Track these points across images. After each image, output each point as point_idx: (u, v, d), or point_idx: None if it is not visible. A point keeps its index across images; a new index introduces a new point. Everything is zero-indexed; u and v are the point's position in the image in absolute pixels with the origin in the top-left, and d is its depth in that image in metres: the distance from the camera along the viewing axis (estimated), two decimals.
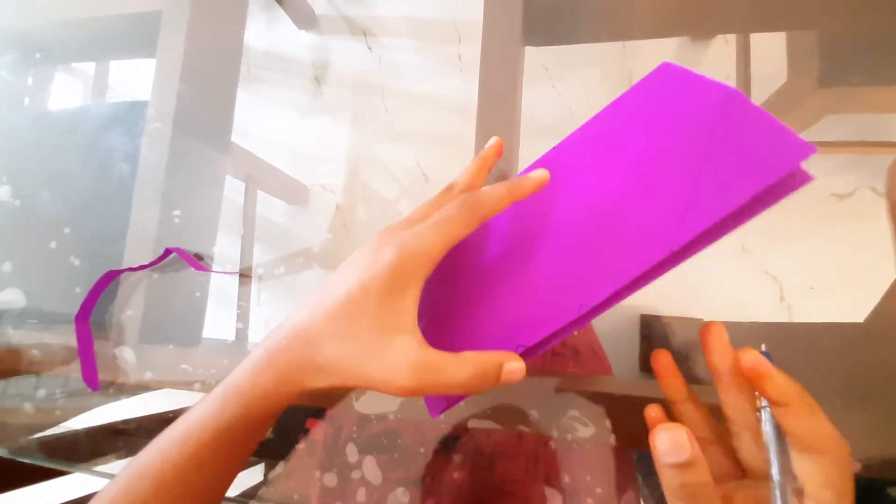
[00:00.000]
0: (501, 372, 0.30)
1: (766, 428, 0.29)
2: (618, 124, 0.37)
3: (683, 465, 0.26)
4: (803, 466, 0.27)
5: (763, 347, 0.32)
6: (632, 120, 0.37)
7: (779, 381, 0.28)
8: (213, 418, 0.32)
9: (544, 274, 0.35)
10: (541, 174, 0.34)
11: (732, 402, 0.31)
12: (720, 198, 0.30)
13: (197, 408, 0.33)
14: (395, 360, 0.29)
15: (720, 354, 0.31)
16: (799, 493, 0.26)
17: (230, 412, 0.32)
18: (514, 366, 0.31)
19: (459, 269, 0.39)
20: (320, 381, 0.30)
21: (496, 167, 0.51)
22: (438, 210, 0.32)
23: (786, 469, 0.27)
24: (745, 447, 0.30)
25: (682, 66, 0.36)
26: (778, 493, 0.27)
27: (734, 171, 0.31)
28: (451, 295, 0.38)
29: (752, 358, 0.29)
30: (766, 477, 0.28)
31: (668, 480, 0.26)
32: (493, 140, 0.40)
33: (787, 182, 0.30)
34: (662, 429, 0.26)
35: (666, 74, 0.38)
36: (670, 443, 0.26)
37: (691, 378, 0.43)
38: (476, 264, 0.38)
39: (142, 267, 0.54)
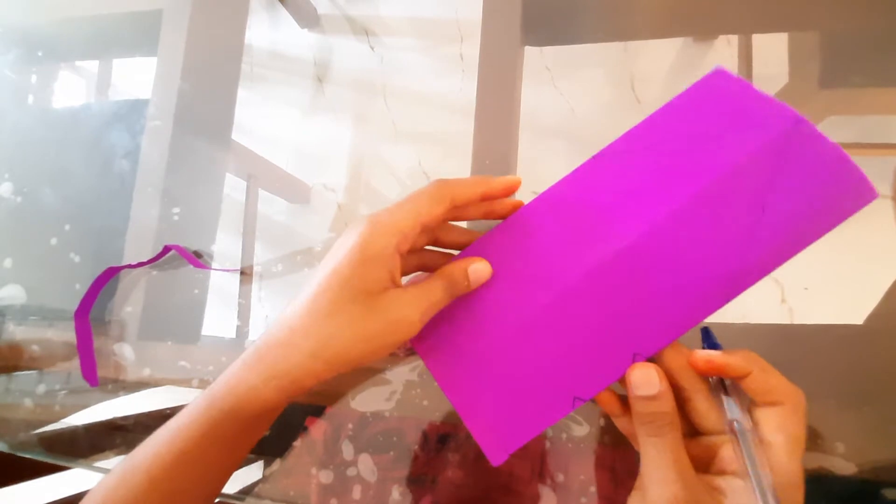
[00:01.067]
0: (468, 275, 0.34)
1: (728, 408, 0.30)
2: (667, 141, 0.34)
3: (652, 398, 0.30)
4: (760, 417, 0.29)
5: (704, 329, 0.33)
6: (683, 136, 0.33)
7: (734, 364, 0.30)
8: (201, 415, 0.32)
9: (594, 322, 0.33)
10: (513, 178, 0.36)
11: (684, 375, 0.32)
12: (786, 241, 0.30)
13: (189, 405, 0.33)
14: (388, 320, 0.31)
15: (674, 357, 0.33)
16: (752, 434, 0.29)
17: (217, 409, 0.32)
18: (479, 266, 0.34)
19: (498, 309, 0.36)
20: (315, 371, 0.31)
21: (493, 172, 0.51)
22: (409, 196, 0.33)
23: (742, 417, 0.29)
24: (699, 408, 0.32)
25: (736, 74, 0.33)
26: (740, 439, 0.29)
27: (800, 210, 0.30)
28: (481, 332, 0.36)
29: (703, 359, 0.31)
30: (717, 431, 0.31)
31: (639, 410, 0.30)
32: (510, 179, 0.37)
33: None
34: (638, 367, 0.31)
35: (719, 83, 0.33)
36: (643, 378, 0.30)
37: None
38: (517, 306, 0.35)
39: (141, 264, 0.54)
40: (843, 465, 0.38)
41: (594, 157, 0.35)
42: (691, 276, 0.31)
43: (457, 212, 0.35)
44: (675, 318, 0.32)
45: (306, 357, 0.31)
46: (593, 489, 0.42)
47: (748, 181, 0.31)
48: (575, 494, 0.42)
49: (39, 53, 0.71)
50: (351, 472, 0.47)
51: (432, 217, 0.33)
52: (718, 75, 0.33)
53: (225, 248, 0.58)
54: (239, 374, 0.32)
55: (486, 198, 0.35)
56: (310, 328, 0.31)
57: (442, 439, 0.46)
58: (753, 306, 0.51)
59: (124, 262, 0.55)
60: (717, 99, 0.33)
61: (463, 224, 0.39)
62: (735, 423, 0.29)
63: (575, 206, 0.35)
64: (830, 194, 0.30)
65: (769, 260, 0.30)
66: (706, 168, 0.32)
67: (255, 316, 0.57)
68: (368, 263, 0.31)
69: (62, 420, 0.56)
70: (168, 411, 0.52)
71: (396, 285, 0.32)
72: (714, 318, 0.51)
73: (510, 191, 0.36)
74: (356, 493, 0.46)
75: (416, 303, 0.32)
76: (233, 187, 0.62)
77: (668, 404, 0.30)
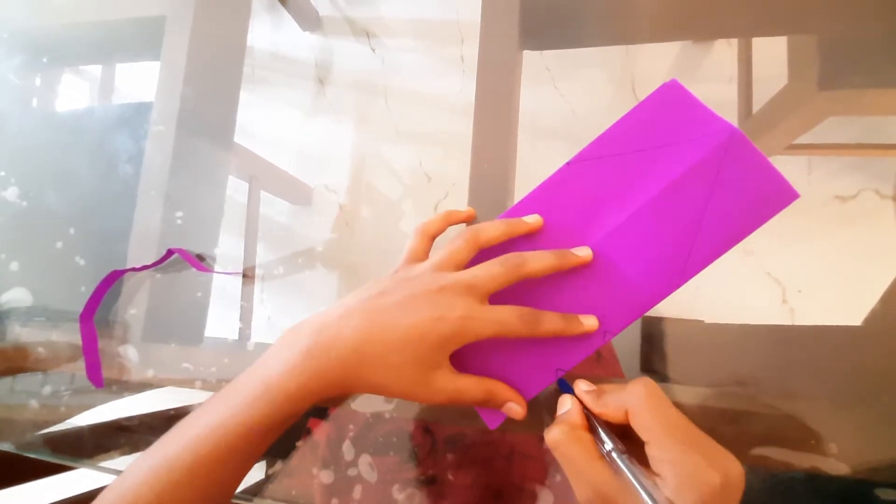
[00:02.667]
0: (504, 407, 0.38)
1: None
2: (625, 149, 0.40)
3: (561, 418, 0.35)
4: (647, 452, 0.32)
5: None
6: (639, 146, 0.40)
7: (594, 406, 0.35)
8: (252, 415, 0.33)
9: (571, 305, 0.39)
10: (536, 222, 0.41)
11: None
12: (723, 238, 0.37)
13: (219, 405, 0.34)
14: (432, 391, 0.35)
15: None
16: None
17: (263, 411, 0.34)
18: (514, 407, 0.38)
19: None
20: (360, 391, 0.36)
21: (492, 174, 0.51)
22: (505, 310, 0.36)
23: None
24: None
25: (687, 88, 0.40)
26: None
27: (734, 212, 0.37)
28: None
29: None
30: None
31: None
32: (534, 224, 0.42)
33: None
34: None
35: (671, 95, 0.40)
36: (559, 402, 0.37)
37: (690, 379, 0.43)
38: (507, 291, 0.39)
39: (145, 267, 0.55)
40: (836, 465, 0.38)
41: (561, 170, 0.42)
42: (647, 269, 0.38)
43: None
44: (636, 303, 0.38)
45: (363, 386, 0.35)
46: None
47: (691, 188, 0.38)
48: (572, 495, 0.42)
49: (44, 59, 0.71)
50: (352, 472, 0.47)
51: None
52: (672, 87, 0.40)
53: (227, 249, 0.58)
54: (300, 382, 0.34)
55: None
56: (376, 372, 0.34)
57: (442, 441, 0.46)
58: (755, 306, 0.51)
59: (128, 266, 0.55)
60: (670, 110, 0.40)
61: None
62: (610, 452, 0.32)
63: (552, 210, 0.41)
64: (759, 197, 0.37)
65: (708, 255, 0.37)
66: (656, 177, 0.39)
67: (257, 318, 0.57)
68: (447, 350, 0.35)
69: (67, 421, 0.56)
70: (171, 412, 0.52)
71: (447, 364, 0.36)
72: (715, 319, 0.51)
73: (533, 231, 0.41)
74: (357, 493, 0.46)
75: (452, 395, 0.36)
76: (235, 189, 0.62)
77: (570, 422, 0.35)
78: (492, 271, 0.36)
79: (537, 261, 0.37)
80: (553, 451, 0.34)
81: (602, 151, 0.41)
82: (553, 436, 0.34)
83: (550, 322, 0.37)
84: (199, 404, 0.36)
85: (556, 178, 0.42)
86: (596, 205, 0.40)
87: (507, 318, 0.36)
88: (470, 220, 0.45)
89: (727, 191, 0.37)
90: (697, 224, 0.37)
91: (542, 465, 0.44)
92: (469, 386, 0.36)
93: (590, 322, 0.38)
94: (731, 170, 0.37)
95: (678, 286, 0.38)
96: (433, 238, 0.42)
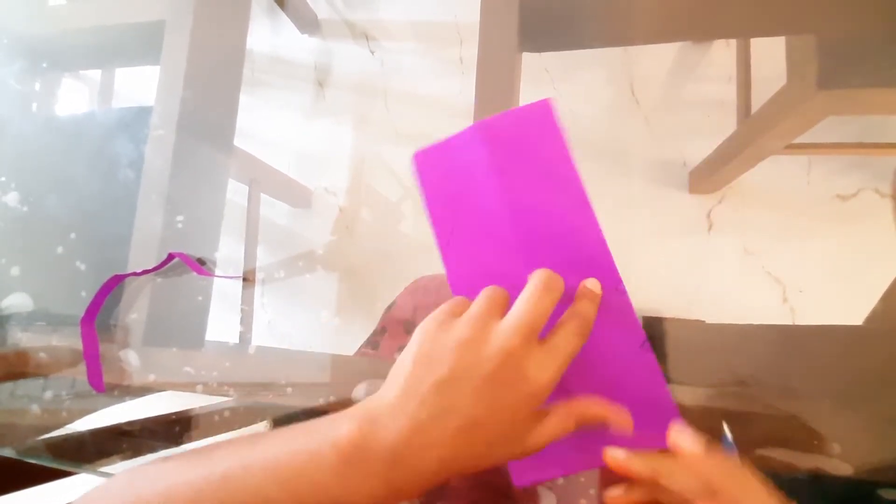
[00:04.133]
0: (606, 422, 0.35)
1: None
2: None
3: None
4: None
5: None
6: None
7: (636, 468, 0.33)
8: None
9: None
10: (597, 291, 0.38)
11: None
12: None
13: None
14: (529, 450, 0.32)
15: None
16: None
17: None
18: (622, 422, 0.35)
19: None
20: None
21: None
22: (562, 336, 0.33)
23: None
24: None
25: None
26: None
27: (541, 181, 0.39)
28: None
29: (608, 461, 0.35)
30: None
31: None
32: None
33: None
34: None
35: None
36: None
37: (691, 380, 0.43)
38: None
39: (146, 271, 0.55)
40: (839, 466, 0.38)
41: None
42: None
43: None
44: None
45: (436, 478, 0.31)
46: (593, 491, 0.42)
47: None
48: (575, 496, 0.42)
49: (44, 64, 0.71)
50: None
51: None
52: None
53: (228, 253, 0.58)
54: (357, 486, 0.30)
55: None
56: (451, 463, 0.31)
57: None
58: (756, 306, 0.51)
59: (129, 270, 0.55)
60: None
61: None
62: None
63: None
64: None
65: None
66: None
67: (257, 321, 0.57)
68: (534, 417, 0.32)
69: (69, 426, 0.56)
70: (173, 416, 0.52)
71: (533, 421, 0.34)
72: (716, 318, 0.51)
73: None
74: None
75: (548, 438, 0.33)
76: (235, 192, 0.62)
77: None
78: (539, 299, 0.33)
79: (591, 316, 0.36)
80: None
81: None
82: None
83: (589, 313, 0.35)
84: (225, 447, 0.33)
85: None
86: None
87: (571, 340, 0.33)
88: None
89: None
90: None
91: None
92: (560, 421, 0.33)
93: (597, 286, 0.37)
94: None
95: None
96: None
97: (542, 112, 0.39)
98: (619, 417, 0.34)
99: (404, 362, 0.32)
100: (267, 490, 0.29)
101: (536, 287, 0.33)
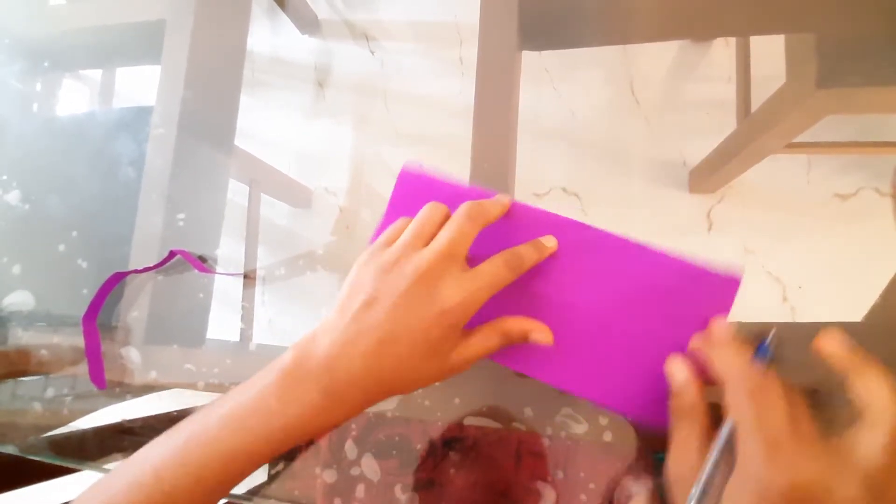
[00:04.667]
0: (529, 339, 0.38)
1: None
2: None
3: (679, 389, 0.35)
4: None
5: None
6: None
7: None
8: (260, 446, 0.33)
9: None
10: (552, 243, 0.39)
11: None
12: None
13: (226, 433, 0.34)
14: (456, 367, 0.36)
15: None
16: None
17: (277, 447, 0.34)
18: (539, 336, 0.38)
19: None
20: (381, 400, 0.36)
21: (492, 175, 0.51)
22: (488, 265, 0.36)
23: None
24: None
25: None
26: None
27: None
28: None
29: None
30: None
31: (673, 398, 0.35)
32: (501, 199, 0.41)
33: None
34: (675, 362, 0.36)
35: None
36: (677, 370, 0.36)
37: None
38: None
39: (147, 269, 0.55)
40: None
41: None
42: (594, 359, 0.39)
43: None
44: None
45: (386, 396, 0.36)
46: (593, 486, 0.42)
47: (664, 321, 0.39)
48: (575, 492, 0.42)
49: (45, 64, 0.72)
50: (355, 471, 0.47)
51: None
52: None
53: (229, 252, 0.58)
54: (316, 413, 0.34)
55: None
56: (396, 383, 0.35)
57: (445, 442, 0.46)
58: (756, 305, 0.51)
59: (130, 268, 0.56)
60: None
61: None
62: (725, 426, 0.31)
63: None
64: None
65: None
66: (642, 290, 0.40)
67: (258, 320, 0.57)
68: (452, 336, 0.35)
69: (71, 423, 0.56)
70: (174, 414, 0.52)
71: (459, 337, 0.36)
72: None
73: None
74: (360, 492, 0.46)
75: (474, 357, 0.36)
76: (236, 192, 0.62)
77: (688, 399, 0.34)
78: (462, 228, 0.35)
79: (494, 206, 0.37)
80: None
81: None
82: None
83: (528, 255, 0.37)
84: (197, 416, 0.35)
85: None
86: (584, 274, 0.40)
87: (497, 271, 0.35)
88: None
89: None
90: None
91: (548, 462, 0.44)
92: (484, 339, 0.36)
93: (551, 242, 0.39)
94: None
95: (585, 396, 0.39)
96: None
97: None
98: (541, 334, 0.38)
99: (342, 290, 0.36)
100: (223, 436, 0.33)
101: (459, 215, 0.36)
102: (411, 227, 0.37)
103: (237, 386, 0.35)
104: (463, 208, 0.36)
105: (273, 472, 0.49)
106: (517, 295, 0.39)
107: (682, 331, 0.37)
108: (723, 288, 0.37)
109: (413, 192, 0.42)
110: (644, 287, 0.38)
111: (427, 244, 0.36)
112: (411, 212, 0.39)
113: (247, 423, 0.33)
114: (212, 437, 0.33)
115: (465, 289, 0.34)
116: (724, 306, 0.37)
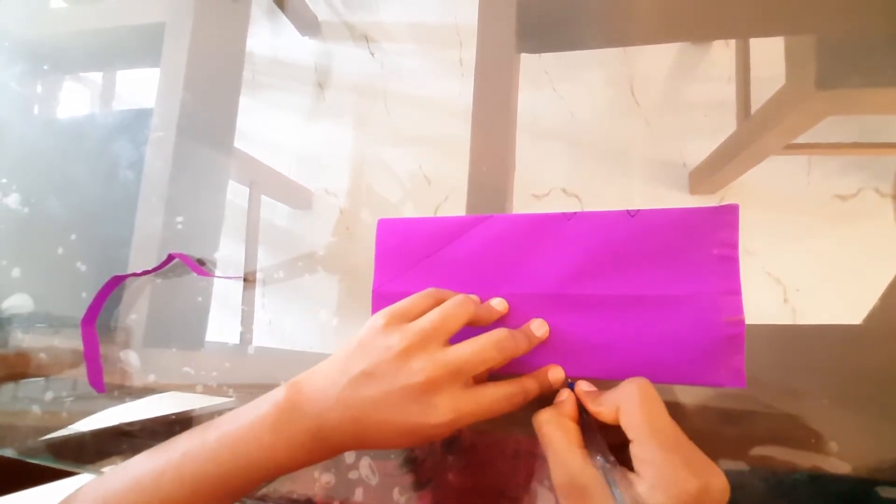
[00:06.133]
0: (550, 379, 0.40)
1: None
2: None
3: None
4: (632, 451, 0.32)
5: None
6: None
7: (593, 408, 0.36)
8: (248, 478, 0.36)
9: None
10: (543, 332, 0.41)
11: None
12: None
13: (215, 454, 0.36)
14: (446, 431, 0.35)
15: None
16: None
17: (259, 475, 0.36)
18: (558, 373, 0.40)
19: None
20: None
21: (491, 177, 0.51)
22: (495, 389, 0.37)
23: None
24: None
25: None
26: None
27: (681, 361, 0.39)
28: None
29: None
30: None
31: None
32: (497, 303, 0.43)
33: None
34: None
35: (725, 215, 0.41)
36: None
37: None
38: None
39: (146, 272, 0.55)
40: (837, 464, 0.38)
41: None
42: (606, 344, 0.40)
43: None
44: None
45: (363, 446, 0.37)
46: None
47: (675, 311, 0.40)
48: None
49: (45, 66, 0.72)
50: (353, 475, 0.47)
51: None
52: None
53: (228, 254, 0.58)
54: (293, 454, 0.36)
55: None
56: (371, 445, 0.37)
57: (443, 444, 0.46)
58: (756, 307, 0.50)
59: (129, 271, 0.56)
60: (710, 231, 0.41)
61: None
62: (596, 459, 0.32)
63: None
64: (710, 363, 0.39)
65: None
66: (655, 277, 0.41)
67: (258, 322, 0.57)
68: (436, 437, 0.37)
69: (69, 426, 0.56)
70: (173, 417, 0.52)
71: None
72: None
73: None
74: (358, 495, 0.46)
75: (467, 417, 0.36)
76: (236, 194, 0.62)
77: (560, 409, 0.37)
78: (484, 355, 0.36)
79: (524, 341, 0.38)
80: (537, 430, 0.36)
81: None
82: (541, 417, 0.36)
83: (531, 384, 0.38)
84: (189, 437, 0.37)
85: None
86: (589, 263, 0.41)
87: (498, 401, 0.36)
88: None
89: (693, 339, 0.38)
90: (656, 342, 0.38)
91: (546, 463, 0.44)
92: (496, 402, 0.37)
93: (542, 330, 0.41)
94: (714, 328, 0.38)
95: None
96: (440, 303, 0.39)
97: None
98: (555, 372, 0.40)
99: (350, 343, 0.37)
100: (219, 456, 0.35)
101: (489, 338, 0.36)
102: (437, 318, 0.37)
103: (233, 410, 0.37)
104: (495, 334, 0.37)
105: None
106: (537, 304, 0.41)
107: (700, 276, 0.38)
108: (725, 218, 0.39)
109: (394, 235, 0.44)
110: (654, 249, 0.39)
111: (446, 342, 0.36)
112: (399, 253, 0.42)
113: (240, 449, 0.35)
114: (208, 455, 0.35)
115: (459, 409, 0.34)
116: (732, 235, 0.38)
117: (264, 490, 0.49)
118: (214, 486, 0.35)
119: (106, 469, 0.54)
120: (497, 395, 0.36)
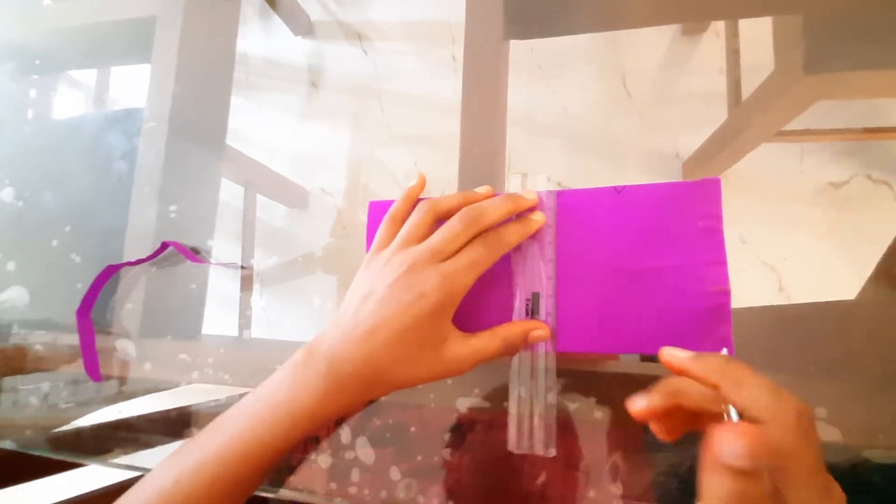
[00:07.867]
0: (529, 339, 0.40)
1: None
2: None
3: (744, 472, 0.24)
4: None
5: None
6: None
7: (697, 369, 0.30)
8: (276, 434, 0.37)
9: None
10: (532, 196, 0.42)
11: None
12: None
13: (238, 425, 0.38)
14: (452, 364, 0.37)
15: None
16: None
17: (289, 433, 0.37)
18: (539, 333, 0.40)
19: None
20: (386, 393, 0.41)
21: (481, 167, 0.51)
22: (467, 248, 0.38)
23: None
24: None
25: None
26: None
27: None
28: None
29: (665, 359, 0.32)
30: None
31: (720, 482, 0.25)
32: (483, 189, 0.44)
33: None
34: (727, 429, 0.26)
35: (707, 190, 0.41)
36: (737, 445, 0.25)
37: None
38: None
39: (140, 261, 0.55)
40: (827, 430, 0.38)
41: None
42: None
43: None
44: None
45: (388, 388, 0.39)
46: (585, 462, 0.42)
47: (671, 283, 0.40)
48: (568, 469, 0.42)
49: (37, 62, 0.72)
50: (349, 455, 0.47)
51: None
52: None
53: (227, 255, 0.58)
54: (323, 402, 0.37)
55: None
56: (392, 372, 0.37)
57: (442, 425, 0.46)
58: (752, 295, 0.51)
59: (124, 261, 0.56)
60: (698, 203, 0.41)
61: None
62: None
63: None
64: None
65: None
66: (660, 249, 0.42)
67: (256, 322, 0.57)
68: (441, 322, 0.37)
69: (68, 419, 0.56)
70: (174, 412, 0.52)
71: (454, 333, 0.38)
72: None
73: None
74: (355, 476, 0.46)
75: (472, 357, 0.38)
76: (231, 194, 0.62)
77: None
78: (453, 230, 0.38)
79: (493, 209, 0.39)
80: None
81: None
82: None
83: (510, 232, 0.39)
84: (216, 420, 0.39)
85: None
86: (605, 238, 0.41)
87: (476, 251, 0.38)
88: (424, 187, 0.46)
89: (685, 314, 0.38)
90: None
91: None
92: (484, 341, 0.38)
93: (538, 216, 0.41)
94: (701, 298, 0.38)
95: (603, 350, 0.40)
96: (402, 221, 0.42)
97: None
98: (540, 331, 0.40)
99: (349, 290, 0.40)
100: (235, 434, 0.37)
101: (454, 219, 0.39)
102: (404, 229, 0.40)
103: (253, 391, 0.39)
104: (459, 213, 0.39)
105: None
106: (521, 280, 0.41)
107: (686, 249, 0.39)
108: (708, 191, 0.40)
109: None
110: (640, 224, 0.40)
111: (420, 243, 0.39)
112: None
113: (257, 414, 0.37)
114: (226, 434, 0.37)
115: (443, 272, 0.36)
116: (715, 208, 0.39)
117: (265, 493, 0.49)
118: (236, 464, 0.36)
119: (110, 459, 0.53)
120: (474, 246, 0.38)
